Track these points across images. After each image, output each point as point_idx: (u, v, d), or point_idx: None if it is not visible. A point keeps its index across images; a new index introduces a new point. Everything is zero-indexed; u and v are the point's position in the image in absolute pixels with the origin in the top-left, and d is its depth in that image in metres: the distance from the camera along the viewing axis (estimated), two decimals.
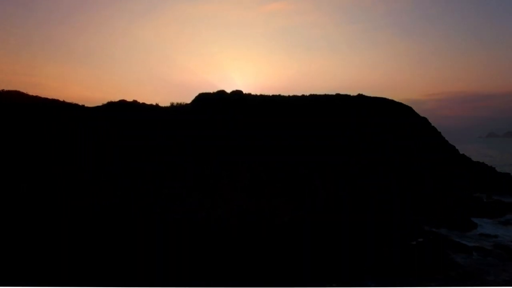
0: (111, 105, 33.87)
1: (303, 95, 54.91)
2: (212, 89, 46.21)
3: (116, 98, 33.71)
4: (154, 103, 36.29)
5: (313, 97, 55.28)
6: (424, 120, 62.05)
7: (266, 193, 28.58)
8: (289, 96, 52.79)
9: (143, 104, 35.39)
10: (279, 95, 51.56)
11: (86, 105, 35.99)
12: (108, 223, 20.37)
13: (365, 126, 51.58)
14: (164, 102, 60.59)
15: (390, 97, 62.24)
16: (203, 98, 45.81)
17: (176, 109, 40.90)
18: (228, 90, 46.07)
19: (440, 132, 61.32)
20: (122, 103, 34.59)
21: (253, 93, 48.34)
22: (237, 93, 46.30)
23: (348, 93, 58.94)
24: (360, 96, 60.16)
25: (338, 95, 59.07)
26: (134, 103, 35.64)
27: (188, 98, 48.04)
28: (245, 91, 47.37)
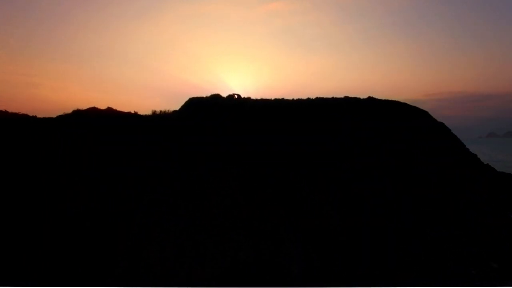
0: (78, 114, 27.62)
1: (308, 98, 49.02)
2: (206, 94, 40.00)
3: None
4: (133, 111, 30.05)
5: (320, 101, 49.33)
6: (441, 125, 56.96)
7: (255, 198, 25.87)
8: (293, 99, 46.77)
9: (119, 111, 29.18)
10: (283, 98, 45.45)
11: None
12: (83, 228, 19.54)
13: (367, 130, 46.72)
14: (155, 107, 54.71)
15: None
16: (194, 103, 39.56)
17: (163, 116, 34.68)
18: (224, 94, 39.83)
19: (459, 139, 56.03)
20: (93, 110, 28.35)
21: (252, 97, 42.13)
22: (234, 97, 40.10)
23: (358, 96, 53.22)
24: (370, 99, 54.67)
25: (346, 98, 53.54)
26: (108, 110, 29.33)
27: (178, 105, 41.71)
28: (243, 95, 41.20)
